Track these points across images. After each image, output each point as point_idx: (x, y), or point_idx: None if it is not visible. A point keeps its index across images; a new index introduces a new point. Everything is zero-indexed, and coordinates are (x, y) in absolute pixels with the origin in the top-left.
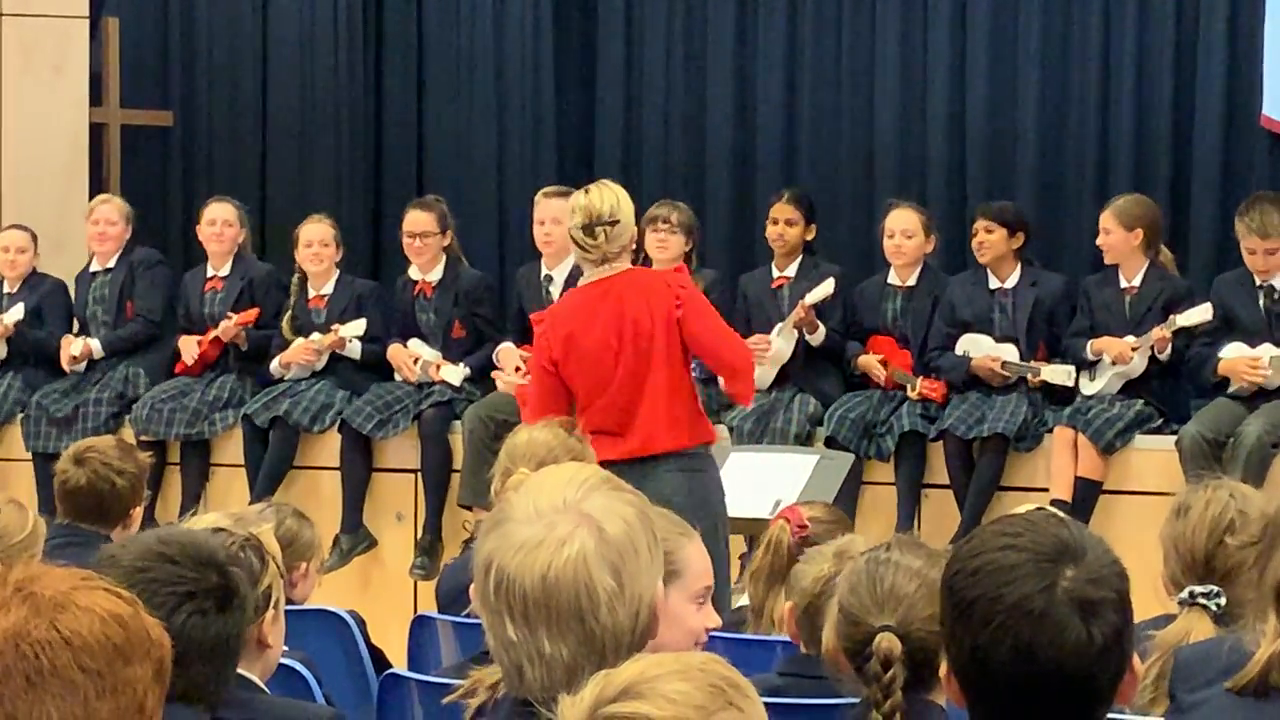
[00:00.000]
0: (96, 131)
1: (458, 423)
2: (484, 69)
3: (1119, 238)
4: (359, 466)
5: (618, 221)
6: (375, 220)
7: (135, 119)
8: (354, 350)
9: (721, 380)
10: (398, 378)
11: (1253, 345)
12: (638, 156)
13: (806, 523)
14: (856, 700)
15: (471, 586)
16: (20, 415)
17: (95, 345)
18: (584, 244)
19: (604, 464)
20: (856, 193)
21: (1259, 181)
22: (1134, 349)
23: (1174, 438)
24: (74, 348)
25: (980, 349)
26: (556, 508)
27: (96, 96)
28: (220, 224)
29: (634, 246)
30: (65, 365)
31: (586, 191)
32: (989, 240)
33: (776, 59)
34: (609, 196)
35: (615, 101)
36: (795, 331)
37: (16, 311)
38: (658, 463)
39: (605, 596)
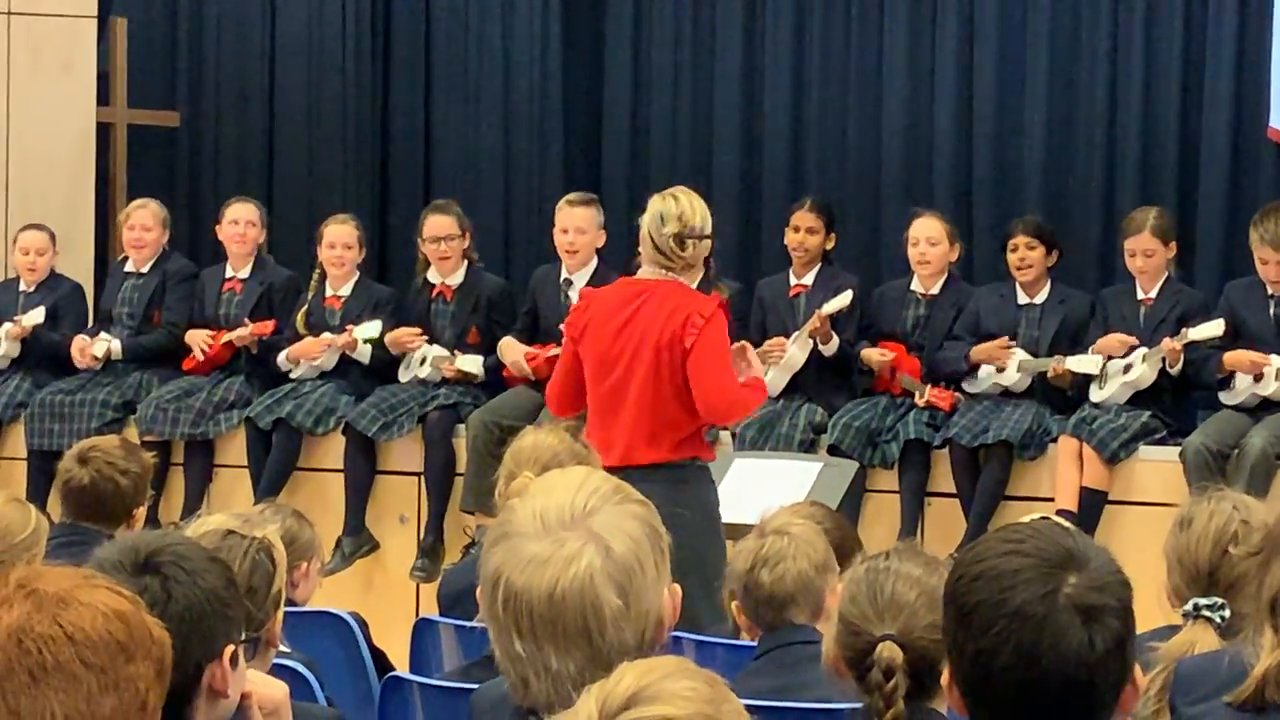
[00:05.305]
0: (103, 131)
1: (462, 426)
2: (492, 74)
3: (1162, 256)
4: (362, 469)
5: (708, 236)
6: (381, 224)
7: (142, 119)
8: (364, 354)
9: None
10: (402, 376)
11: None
12: (644, 164)
13: None
14: (857, 706)
15: (479, 594)
16: (24, 413)
17: (116, 347)
18: (671, 253)
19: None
20: (862, 202)
21: (1266, 193)
22: (1133, 347)
23: (1179, 449)
24: (97, 349)
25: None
26: (564, 522)
27: (104, 96)
28: (243, 224)
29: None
30: (81, 362)
31: (675, 199)
32: (1031, 257)
33: (783, 69)
34: (700, 208)
35: (622, 109)
36: (811, 341)
37: (37, 315)
38: (637, 473)
39: (611, 615)
